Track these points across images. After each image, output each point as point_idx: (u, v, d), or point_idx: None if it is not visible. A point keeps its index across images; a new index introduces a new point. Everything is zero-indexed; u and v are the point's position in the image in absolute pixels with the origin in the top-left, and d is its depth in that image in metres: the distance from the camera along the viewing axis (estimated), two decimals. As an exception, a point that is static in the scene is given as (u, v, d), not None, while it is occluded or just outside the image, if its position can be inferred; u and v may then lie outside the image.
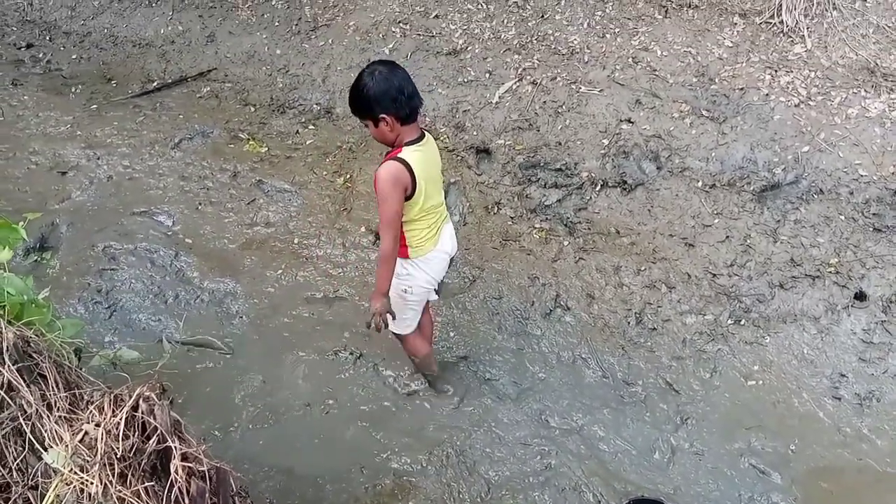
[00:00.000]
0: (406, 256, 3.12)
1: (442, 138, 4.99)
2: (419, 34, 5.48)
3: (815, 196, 4.18)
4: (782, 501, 3.33)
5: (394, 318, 3.20)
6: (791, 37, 4.67)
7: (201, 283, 4.25)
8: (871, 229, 4.04)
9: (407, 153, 2.89)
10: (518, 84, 5.03)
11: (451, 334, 4.01)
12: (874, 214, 4.06)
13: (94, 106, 5.67)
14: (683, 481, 3.41)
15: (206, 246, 4.47)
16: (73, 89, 5.92)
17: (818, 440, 3.56)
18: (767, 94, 4.48)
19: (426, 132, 3.02)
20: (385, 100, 2.78)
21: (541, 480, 3.38)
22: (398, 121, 2.84)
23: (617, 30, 5.04)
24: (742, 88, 4.53)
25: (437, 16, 5.55)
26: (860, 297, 3.93)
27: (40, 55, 6.37)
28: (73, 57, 6.33)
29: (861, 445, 3.54)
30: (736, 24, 4.82)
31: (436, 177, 3.07)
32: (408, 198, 2.91)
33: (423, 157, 2.93)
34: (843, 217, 4.10)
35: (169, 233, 4.54)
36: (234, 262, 4.37)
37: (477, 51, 5.28)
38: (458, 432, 3.58)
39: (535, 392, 3.77)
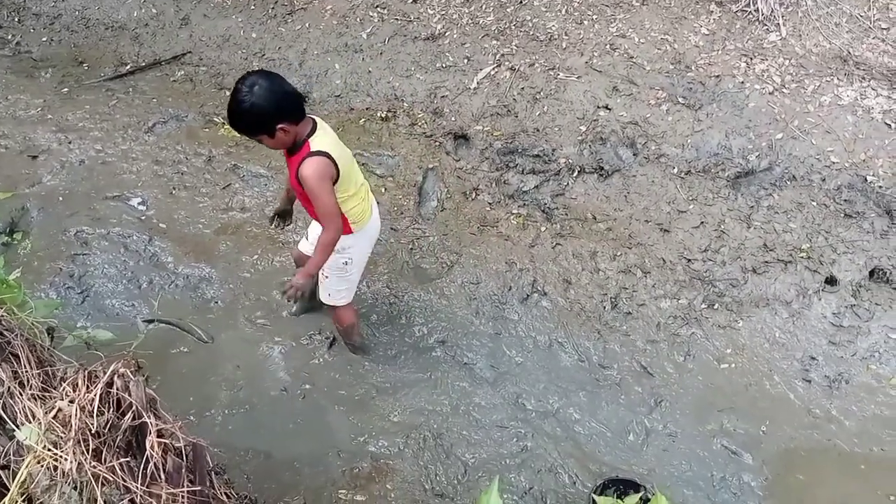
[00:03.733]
0: (349, 232, 3.17)
1: (420, 124, 4.98)
2: (397, 19, 5.45)
3: (788, 182, 4.25)
4: (753, 481, 3.40)
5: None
6: (766, 25, 4.72)
7: (176, 269, 4.21)
8: (842, 215, 4.12)
9: (318, 143, 2.89)
10: (496, 70, 5.03)
11: (429, 319, 4.01)
12: (845, 201, 4.13)
13: (66, 89, 5.56)
14: (657, 462, 3.46)
15: (180, 231, 4.42)
16: (43, 72, 5.79)
17: (789, 421, 3.63)
18: (742, 82, 4.53)
19: (313, 117, 2.98)
20: (277, 110, 2.74)
21: (517, 462, 3.42)
22: (293, 124, 2.82)
23: (595, 16, 5.06)
24: (718, 76, 4.58)
25: (414, 0, 5.52)
26: (831, 281, 4.01)
27: (9, 37, 6.22)
28: (44, 39, 6.19)
29: (830, 426, 3.62)
30: (712, 11, 4.86)
31: (348, 154, 3.08)
32: (334, 183, 2.95)
33: (331, 141, 2.96)
34: (815, 203, 4.17)
35: (142, 217, 4.48)
36: (209, 248, 4.33)
37: (455, 36, 5.27)
38: (435, 416, 3.59)
39: (512, 376, 3.79)
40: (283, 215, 3.58)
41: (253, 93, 2.70)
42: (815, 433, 3.59)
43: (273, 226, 3.64)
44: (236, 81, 2.76)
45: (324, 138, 2.92)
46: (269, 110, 2.72)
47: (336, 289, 3.44)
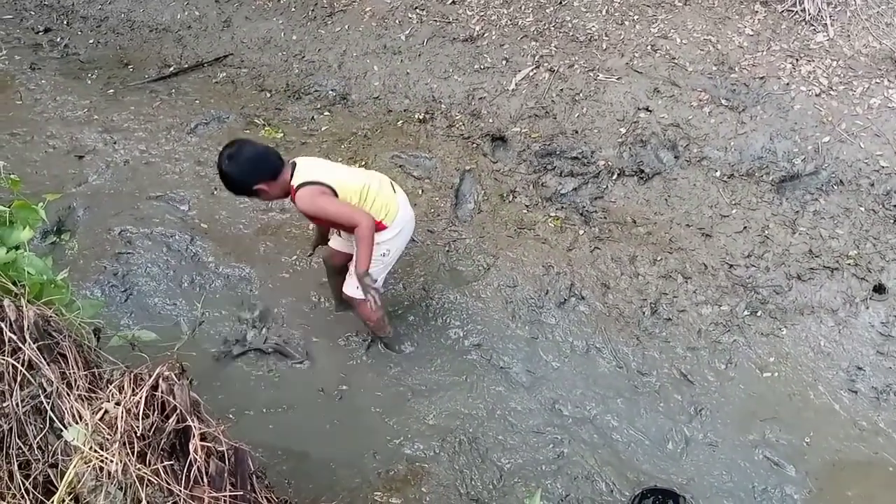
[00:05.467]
0: (384, 227, 3.33)
1: (457, 125, 4.97)
2: (436, 20, 5.45)
3: (835, 187, 4.14)
4: (796, 494, 3.32)
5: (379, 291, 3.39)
6: (813, 25, 4.60)
7: (216, 268, 4.27)
8: (891, 221, 4.00)
9: (297, 179, 3.13)
10: (535, 71, 4.99)
11: (465, 322, 4.00)
12: (895, 206, 4.01)
13: (111, 90, 5.68)
14: (697, 472, 3.40)
15: (221, 231, 4.48)
16: (90, 74, 5.93)
17: (833, 433, 3.53)
18: (788, 84, 4.43)
19: (292, 161, 3.22)
20: (251, 174, 3.06)
21: (553, 469, 3.39)
22: (273, 179, 3.11)
23: (636, 17, 4.99)
24: (762, 77, 4.48)
25: (453, 1, 5.51)
26: (879, 289, 3.89)
27: (58, 39, 6.38)
28: (91, 41, 6.34)
29: (877, 439, 3.51)
30: (757, 11, 4.76)
31: (334, 166, 3.33)
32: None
33: (309, 169, 3.18)
34: (863, 209, 4.06)
35: (185, 217, 4.56)
36: (249, 248, 4.38)
37: (494, 37, 5.24)
38: (471, 419, 3.58)
39: (549, 381, 3.76)
40: (323, 243, 3.77)
41: (226, 162, 3.04)
42: (861, 446, 3.49)
43: (316, 255, 3.83)
44: (220, 156, 3.09)
45: (301, 172, 3.15)
46: (245, 175, 3.06)
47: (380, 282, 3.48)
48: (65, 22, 6.53)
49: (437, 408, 3.64)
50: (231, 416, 3.51)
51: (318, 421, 3.58)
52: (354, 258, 3.37)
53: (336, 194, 3.14)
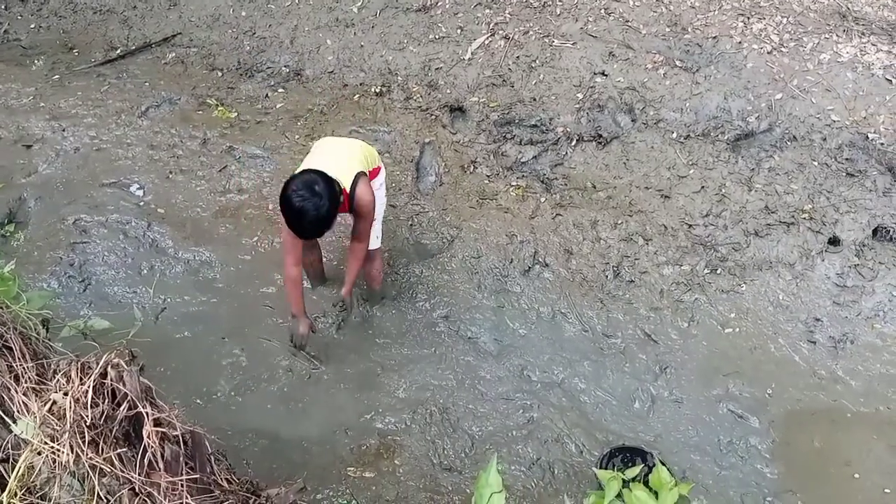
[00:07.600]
0: (380, 168, 3.58)
1: (415, 97, 4.92)
2: (388, -9, 5.35)
3: (789, 143, 4.19)
4: (760, 444, 3.41)
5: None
6: (763, -18, 4.62)
7: (176, 253, 4.19)
8: (843, 174, 4.07)
9: (342, 178, 3.08)
10: (490, 39, 4.95)
11: (432, 294, 4.00)
12: (847, 159, 4.08)
13: (57, 76, 5.50)
14: (663, 429, 3.46)
15: (178, 215, 4.40)
16: (33, 59, 5.72)
17: (794, 383, 3.63)
18: (740, 42, 4.45)
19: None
20: (335, 197, 2.93)
21: (524, 434, 3.43)
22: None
23: (588, -20, 4.96)
24: (715, 37, 4.50)
25: (405, -29, 5.41)
26: (834, 241, 3.98)
27: (-3, 25, 6.15)
28: (32, 26, 6.12)
29: (836, 387, 3.61)
30: (708, -30, 4.76)
31: (337, 147, 3.36)
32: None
33: (330, 165, 3.08)
34: (816, 163, 4.12)
35: (140, 203, 4.46)
36: (208, 231, 4.31)
37: (447, 6, 5.18)
38: (441, 390, 3.60)
39: (516, 348, 3.79)
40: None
41: (318, 193, 2.84)
42: (820, 394, 3.59)
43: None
44: (293, 201, 2.83)
45: (335, 173, 3.04)
46: (332, 206, 2.91)
47: (380, 231, 3.63)
48: (2, 6, 6.28)
49: (407, 381, 3.65)
50: (199, 400, 3.49)
51: (289, 400, 3.56)
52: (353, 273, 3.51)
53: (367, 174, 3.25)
